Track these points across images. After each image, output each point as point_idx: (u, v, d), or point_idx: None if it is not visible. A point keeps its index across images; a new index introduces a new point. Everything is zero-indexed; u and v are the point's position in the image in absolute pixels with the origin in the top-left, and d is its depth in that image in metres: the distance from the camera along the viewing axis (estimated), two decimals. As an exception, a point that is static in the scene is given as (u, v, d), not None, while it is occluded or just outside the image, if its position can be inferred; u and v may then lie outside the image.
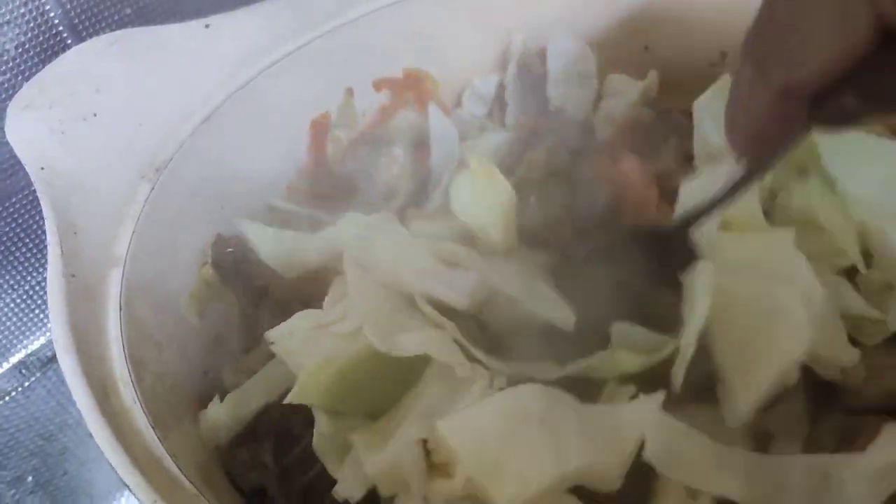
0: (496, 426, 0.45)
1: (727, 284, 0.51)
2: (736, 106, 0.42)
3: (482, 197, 0.62)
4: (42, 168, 0.60)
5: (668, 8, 0.89)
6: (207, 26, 0.77)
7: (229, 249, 0.68)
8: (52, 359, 0.98)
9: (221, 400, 0.58)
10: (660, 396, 0.46)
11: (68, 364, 0.47)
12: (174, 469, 0.45)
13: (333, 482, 0.53)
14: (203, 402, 0.61)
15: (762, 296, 0.51)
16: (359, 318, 0.53)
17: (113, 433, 0.44)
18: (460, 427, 0.46)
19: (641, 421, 0.45)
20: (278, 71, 0.80)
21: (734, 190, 0.50)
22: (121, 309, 0.56)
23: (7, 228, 0.86)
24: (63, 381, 0.98)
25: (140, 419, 0.48)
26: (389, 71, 0.91)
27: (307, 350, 0.56)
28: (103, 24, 0.82)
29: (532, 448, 0.44)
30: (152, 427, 0.48)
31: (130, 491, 0.41)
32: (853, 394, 0.53)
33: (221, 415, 0.57)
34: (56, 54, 0.71)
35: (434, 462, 0.49)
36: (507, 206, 0.62)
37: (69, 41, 0.80)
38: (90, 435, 1.04)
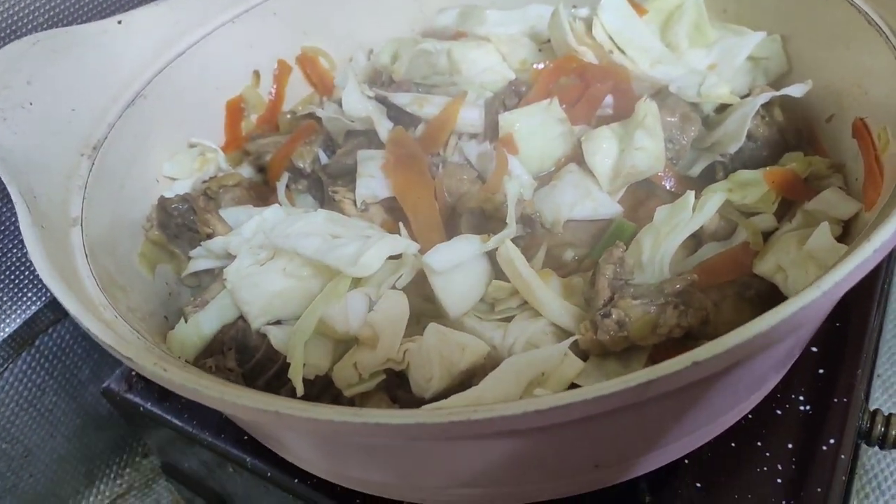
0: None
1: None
2: None
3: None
4: (-7, 147, 0.68)
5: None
6: (120, 22, 0.85)
7: (175, 205, 0.76)
8: (7, 360, 1.02)
9: (186, 322, 0.67)
10: None
11: (54, 285, 0.55)
12: (161, 353, 0.54)
13: (287, 380, 0.63)
14: (167, 338, 0.69)
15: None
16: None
17: (103, 323, 0.52)
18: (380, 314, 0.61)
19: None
20: (189, 58, 0.89)
21: None
22: (87, 256, 0.64)
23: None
24: (21, 382, 1.03)
25: (124, 327, 0.56)
26: (291, 52, 1.02)
27: (250, 282, 0.67)
28: (20, 33, 0.89)
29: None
30: (136, 331, 0.56)
31: (131, 365, 0.49)
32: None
33: (187, 333, 0.66)
34: (-21, 62, 0.77)
35: (361, 339, 0.61)
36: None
37: (-11, 49, 0.86)
38: (53, 434, 1.08)
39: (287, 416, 0.42)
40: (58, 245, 0.62)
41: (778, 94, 0.77)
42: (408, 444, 0.49)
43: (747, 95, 0.83)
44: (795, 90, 0.77)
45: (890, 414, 0.75)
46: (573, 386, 0.56)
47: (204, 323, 0.67)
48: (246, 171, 0.93)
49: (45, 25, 0.91)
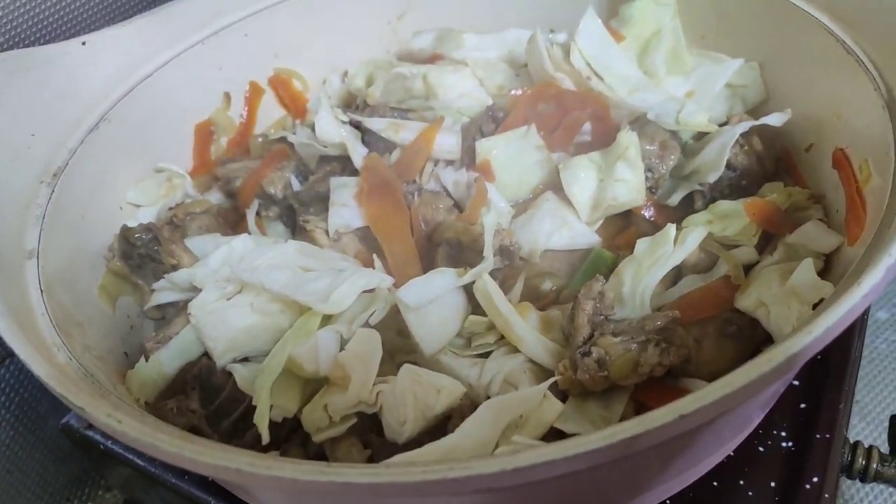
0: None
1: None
2: None
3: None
4: (-54, 175, 0.64)
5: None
6: (84, 44, 0.82)
7: (138, 235, 0.73)
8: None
9: (147, 360, 0.64)
10: None
11: (2, 325, 0.51)
12: (116, 400, 0.50)
13: (254, 423, 0.60)
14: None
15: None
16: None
17: (53, 367, 0.49)
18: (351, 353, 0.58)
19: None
20: (156, 80, 0.86)
21: None
22: (42, 291, 0.61)
23: None
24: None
25: (77, 371, 0.53)
26: (262, 74, 0.99)
27: (216, 317, 0.64)
28: (-24, 54, 0.85)
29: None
30: (91, 375, 0.53)
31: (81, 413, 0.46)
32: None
33: (148, 372, 0.63)
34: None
35: (331, 380, 0.59)
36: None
37: (-55, 72, 0.82)
38: (10, 470, 1.04)
39: (249, 474, 0.39)
40: (9, 280, 0.59)
41: (757, 123, 0.76)
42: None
43: (725, 123, 0.82)
44: (775, 119, 0.77)
45: (870, 446, 0.74)
46: (552, 429, 0.54)
47: (165, 361, 0.64)
48: (215, 196, 0.90)
49: (4, 46, 0.88)
